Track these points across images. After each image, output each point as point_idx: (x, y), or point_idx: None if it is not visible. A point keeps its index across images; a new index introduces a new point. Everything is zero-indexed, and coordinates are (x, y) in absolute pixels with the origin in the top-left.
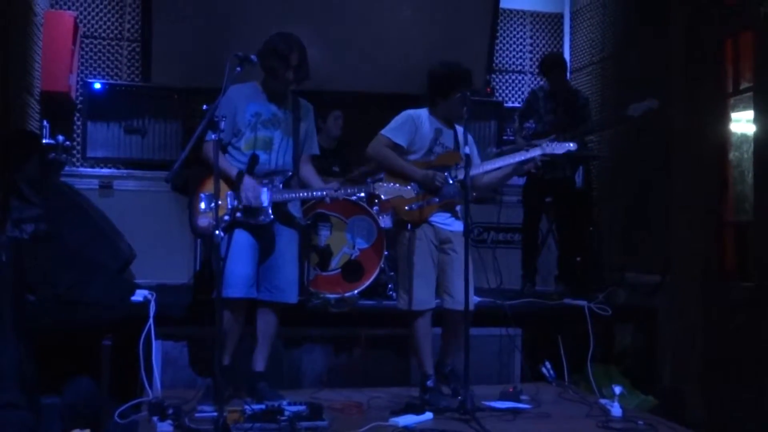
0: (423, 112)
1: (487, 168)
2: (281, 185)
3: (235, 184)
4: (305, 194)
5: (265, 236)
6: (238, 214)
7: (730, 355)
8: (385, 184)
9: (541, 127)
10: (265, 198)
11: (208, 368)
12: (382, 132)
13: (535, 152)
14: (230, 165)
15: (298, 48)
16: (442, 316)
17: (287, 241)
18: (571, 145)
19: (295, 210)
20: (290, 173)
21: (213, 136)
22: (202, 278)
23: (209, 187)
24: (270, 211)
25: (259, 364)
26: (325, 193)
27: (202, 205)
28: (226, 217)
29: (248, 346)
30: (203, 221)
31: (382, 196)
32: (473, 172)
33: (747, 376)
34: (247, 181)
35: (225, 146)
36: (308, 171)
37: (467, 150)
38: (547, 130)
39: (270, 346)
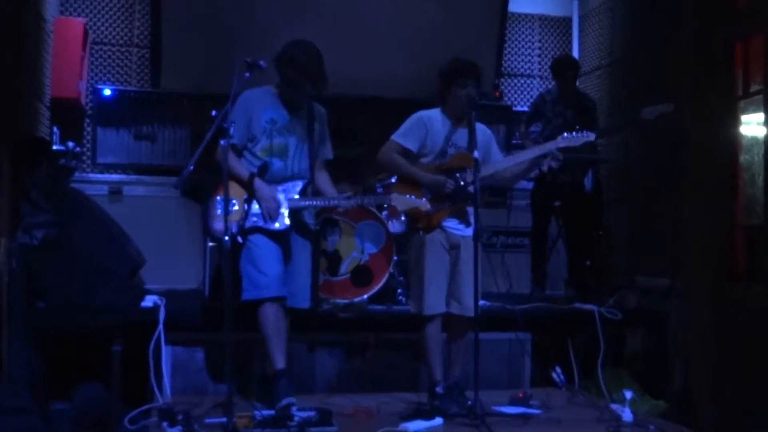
0: (434, 112)
1: (506, 164)
2: (298, 193)
3: (249, 189)
4: (320, 202)
5: (281, 242)
6: (254, 219)
7: (741, 358)
8: (400, 196)
9: (549, 131)
10: (283, 204)
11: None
12: (393, 137)
13: (552, 145)
14: (244, 168)
15: (317, 58)
16: (448, 322)
17: (301, 248)
18: (590, 134)
19: (308, 217)
20: (307, 180)
21: (223, 143)
22: (217, 284)
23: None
24: (287, 218)
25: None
26: (338, 201)
27: (219, 209)
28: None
29: (259, 351)
30: (219, 224)
31: (398, 209)
32: (490, 170)
33: (759, 380)
34: (264, 189)
35: (241, 150)
36: (322, 177)
37: (476, 154)
38: (555, 134)
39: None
